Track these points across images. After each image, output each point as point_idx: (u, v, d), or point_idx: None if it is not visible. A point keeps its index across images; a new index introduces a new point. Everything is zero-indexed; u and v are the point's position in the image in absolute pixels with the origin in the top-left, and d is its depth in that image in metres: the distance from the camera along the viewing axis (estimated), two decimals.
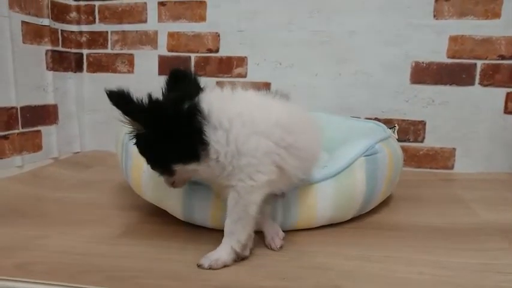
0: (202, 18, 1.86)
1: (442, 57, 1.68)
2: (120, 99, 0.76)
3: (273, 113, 0.84)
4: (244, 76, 1.86)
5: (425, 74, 1.70)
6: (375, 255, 0.91)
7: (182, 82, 0.88)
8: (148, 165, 0.87)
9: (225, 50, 1.87)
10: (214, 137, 0.79)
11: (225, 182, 0.83)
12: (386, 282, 0.80)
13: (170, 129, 0.78)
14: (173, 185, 0.89)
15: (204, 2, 1.85)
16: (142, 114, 0.78)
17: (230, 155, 0.79)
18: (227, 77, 1.88)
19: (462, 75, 1.67)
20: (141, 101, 0.77)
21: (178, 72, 0.89)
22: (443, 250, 0.95)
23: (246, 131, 0.79)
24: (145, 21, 1.92)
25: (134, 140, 0.84)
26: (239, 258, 0.86)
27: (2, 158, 1.56)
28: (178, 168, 0.82)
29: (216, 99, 0.82)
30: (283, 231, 1.01)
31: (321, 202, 1.01)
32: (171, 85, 0.87)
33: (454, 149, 1.73)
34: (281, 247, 0.92)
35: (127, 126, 0.80)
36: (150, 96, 0.79)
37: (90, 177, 1.60)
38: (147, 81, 1.94)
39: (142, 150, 0.85)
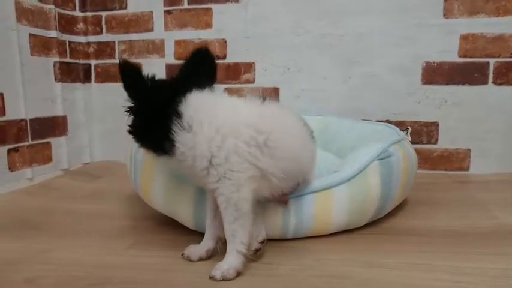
0: (208, 25, 1.86)
1: (453, 57, 1.64)
2: (127, 71, 0.80)
3: (243, 114, 0.86)
4: (252, 82, 1.85)
5: (436, 74, 1.67)
6: (393, 262, 0.88)
7: (199, 66, 0.89)
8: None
9: (233, 56, 1.85)
10: (181, 139, 0.81)
11: (207, 185, 0.85)
12: None
13: (150, 115, 0.82)
14: None
15: (210, 8, 1.84)
16: (134, 90, 0.81)
17: (199, 158, 0.81)
18: (235, 83, 1.86)
19: (475, 74, 1.64)
20: (146, 78, 0.81)
21: (200, 54, 0.90)
22: (462, 255, 0.91)
23: (210, 134, 0.81)
24: (151, 30, 1.92)
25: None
26: (255, 254, 0.85)
27: (12, 171, 1.55)
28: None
29: (198, 103, 0.83)
30: (297, 238, 0.99)
31: (336, 207, 0.98)
32: (188, 66, 0.90)
33: (469, 150, 1.69)
34: (257, 251, 0.89)
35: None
36: (152, 78, 0.82)
37: (100, 187, 1.59)
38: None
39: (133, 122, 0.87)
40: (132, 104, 0.82)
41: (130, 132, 0.86)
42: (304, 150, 0.94)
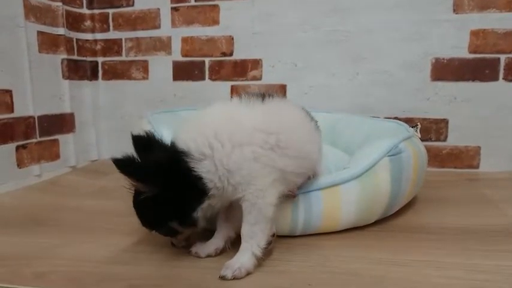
0: (215, 21, 1.85)
1: (463, 53, 1.63)
2: (128, 166, 0.76)
3: (247, 120, 0.83)
4: (260, 79, 1.84)
5: (446, 70, 1.65)
6: (404, 259, 0.87)
7: (149, 146, 0.84)
8: (158, 231, 0.87)
9: (240, 53, 1.85)
10: (203, 168, 0.78)
11: (231, 198, 0.82)
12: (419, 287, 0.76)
13: (178, 183, 0.78)
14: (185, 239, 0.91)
15: (217, 5, 1.84)
16: (153, 177, 0.77)
17: (224, 177, 0.79)
18: (242, 80, 1.86)
19: (485, 70, 1.62)
20: (146, 163, 0.79)
21: (140, 139, 0.85)
22: (474, 252, 0.90)
23: (227, 149, 0.78)
24: (158, 27, 1.92)
25: (142, 205, 0.83)
26: (266, 248, 0.84)
27: (20, 168, 1.56)
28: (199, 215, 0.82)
29: (187, 132, 0.81)
30: (305, 235, 0.99)
31: (345, 204, 0.97)
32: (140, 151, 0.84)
33: (479, 148, 1.67)
34: (268, 244, 0.86)
35: (134, 189, 0.81)
36: (152, 160, 0.79)
37: (108, 184, 1.59)
38: (162, 87, 1.94)
39: (156, 213, 0.82)
40: (150, 190, 0.78)
41: (166, 220, 0.82)
42: (311, 143, 0.94)
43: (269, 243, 0.86)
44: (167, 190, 0.78)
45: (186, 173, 0.77)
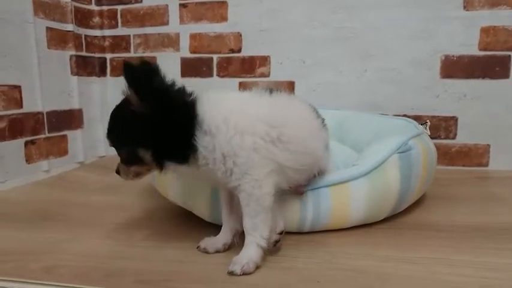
0: (223, 18, 1.85)
1: (473, 50, 1.61)
2: (141, 73, 0.75)
3: (254, 109, 0.84)
4: (267, 76, 1.83)
5: (455, 68, 1.64)
6: (413, 257, 0.86)
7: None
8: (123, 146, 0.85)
9: (248, 50, 1.84)
10: (203, 143, 0.78)
11: (228, 185, 0.83)
12: (428, 285, 0.75)
13: (173, 121, 0.78)
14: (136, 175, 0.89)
15: (225, 2, 1.83)
16: (154, 94, 0.76)
17: (218, 161, 0.79)
18: (250, 77, 1.85)
19: (495, 68, 1.60)
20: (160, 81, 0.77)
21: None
22: (484, 250, 0.89)
23: (230, 134, 0.79)
24: (167, 23, 1.92)
25: (122, 117, 0.82)
26: (275, 246, 0.84)
27: (29, 163, 1.57)
28: (168, 165, 0.82)
29: (209, 105, 0.81)
30: (314, 231, 0.98)
31: (354, 201, 0.97)
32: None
33: (488, 145, 1.66)
34: (276, 242, 0.87)
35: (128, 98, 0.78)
36: (172, 83, 0.79)
37: (115, 180, 1.57)
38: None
39: (134, 131, 0.81)
40: (147, 112, 0.77)
41: (142, 145, 0.81)
42: (316, 140, 0.93)
43: (277, 240, 0.86)
44: (161, 120, 0.77)
45: (188, 133, 0.78)
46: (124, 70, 0.73)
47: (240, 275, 0.78)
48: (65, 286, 0.77)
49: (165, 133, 0.78)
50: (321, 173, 0.98)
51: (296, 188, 0.95)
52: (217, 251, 0.90)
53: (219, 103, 0.82)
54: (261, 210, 0.81)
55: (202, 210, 1.02)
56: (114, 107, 0.85)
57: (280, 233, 0.88)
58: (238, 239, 0.91)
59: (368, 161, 1.00)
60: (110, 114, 0.84)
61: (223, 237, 0.91)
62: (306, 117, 0.94)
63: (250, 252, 0.80)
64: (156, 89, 0.76)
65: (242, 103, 0.86)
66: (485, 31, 1.59)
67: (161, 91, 0.77)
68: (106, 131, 0.85)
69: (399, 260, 0.85)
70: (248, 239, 0.82)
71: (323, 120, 0.99)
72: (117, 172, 0.90)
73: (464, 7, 1.60)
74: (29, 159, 1.57)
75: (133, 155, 0.83)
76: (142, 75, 0.75)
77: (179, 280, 0.78)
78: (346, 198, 0.97)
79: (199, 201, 1.01)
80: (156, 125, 0.78)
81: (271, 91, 0.90)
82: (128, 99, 0.79)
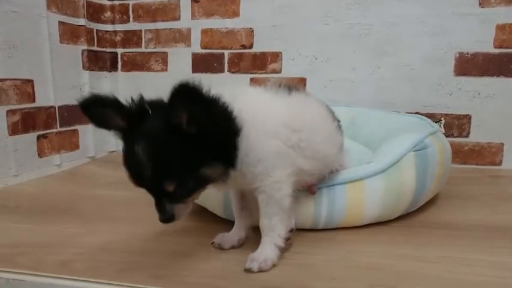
0: (235, 14, 1.84)
1: (488, 47, 1.59)
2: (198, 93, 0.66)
3: (280, 111, 0.83)
4: (279, 72, 1.83)
5: (470, 65, 1.62)
6: (429, 255, 0.85)
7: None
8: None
9: (259, 46, 1.83)
10: (240, 146, 0.75)
11: (247, 187, 0.82)
12: (445, 284, 0.75)
13: (222, 129, 0.73)
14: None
15: None
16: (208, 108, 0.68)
17: (251, 164, 0.77)
18: (261, 73, 1.84)
19: (510, 65, 1.58)
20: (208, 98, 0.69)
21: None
22: (501, 249, 0.88)
23: (258, 138, 0.77)
24: (178, 18, 1.92)
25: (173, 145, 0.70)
26: (285, 243, 0.83)
27: (41, 157, 1.58)
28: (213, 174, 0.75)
29: (240, 106, 0.76)
30: (328, 229, 0.98)
31: (369, 199, 0.96)
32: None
33: (502, 144, 1.64)
34: (287, 240, 0.84)
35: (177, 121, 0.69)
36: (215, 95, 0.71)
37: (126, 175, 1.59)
38: (181, 79, 1.93)
39: (194, 152, 0.71)
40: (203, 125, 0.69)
41: (206, 163, 0.72)
42: (331, 145, 0.93)
43: (287, 238, 0.85)
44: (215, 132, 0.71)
45: (234, 137, 0.74)
46: (182, 92, 0.65)
47: (257, 272, 0.78)
48: (81, 280, 0.77)
49: (220, 142, 0.73)
50: (332, 173, 0.98)
51: (309, 188, 0.95)
52: (233, 247, 0.89)
53: (247, 104, 0.78)
54: (279, 211, 0.81)
55: (215, 206, 1.02)
56: (128, 98, 0.76)
57: (290, 231, 0.88)
58: (252, 234, 0.91)
59: (384, 159, 0.99)
60: (140, 150, 0.70)
61: (238, 233, 0.91)
62: (322, 121, 0.93)
63: (267, 251, 0.80)
64: (211, 107, 0.70)
65: (267, 106, 0.85)
66: (501, 28, 1.57)
67: (215, 107, 0.71)
68: (144, 171, 0.70)
69: (415, 259, 0.84)
70: (265, 239, 0.82)
71: (339, 122, 0.99)
72: (171, 218, 0.76)
73: (480, 4, 1.57)
74: (41, 153, 1.58)
75: (199, 179, 0.74)
76: (199, 95, 0.66)
77: (194, 276, 0.78)
78: (361, 195, 0.96)
79: (213, 198, 1.01)
80: (212, 137, 0.71)
81: (289, 89, 0.89)
82: (177, 123, 0.69)
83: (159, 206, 0.75)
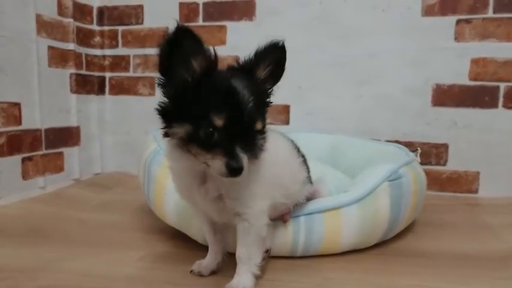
0: (222, 41, 1.89)
1: (464, 80, 1.66)
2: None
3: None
4: None
5: (447, 96, 1.68)
6: (405, 284, 0.88)
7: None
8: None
9: None
10: None
11: (229, 217, 0.84)
12: None
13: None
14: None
15: (224, 26, 1.88)
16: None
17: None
18: None
19: (485, 97, 1.65)
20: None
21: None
22: (474, 279, 0.91)
23: None
24: None
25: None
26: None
27: (25, 179, 1.58)
28: None
29: None
30: (306, 256, 1.00)
31: (346, 227, 0.99)
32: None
33: (478, 173, 1.69)
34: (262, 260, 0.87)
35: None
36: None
37: (111, 198, 1.60)
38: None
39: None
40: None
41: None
42: (295, 182, 0.97)
43: (264, 258, 0.88)
44: None
45: None
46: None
47: None
48: None
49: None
50: (296, 205, 1.01)
51: (282, 217, 0.99)
52: (213, 272, 0.91)
53: None
54: (258, 240, 0.83)
55: (197, 233, 1.04)
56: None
57: (266, 252, 0.90)
58: (227, 257, 0.93)
59: (360, 188, 1.03)
60: (244, 90, 0.75)
61: (215, 257, 0.93)
62: (289, 158, 0.97)
63: (245, 280, 0.82)
64: None
65: None
66: (475, 62, 1.64)
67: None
68: (244, 108, 0.73)
69: (389, 287, 0.87)
70: (242, 268, 0.83)
71: (303, 156, 1.03)
72: (241, 169, 0.71)
73: (456, 38, 1.65)
74: (25, 176, 1.58)
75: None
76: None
77: None
78: (338, 223, 0.99)
79: (195, 225, 1.03)
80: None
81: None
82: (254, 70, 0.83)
83: (233, 154, 0.71)
